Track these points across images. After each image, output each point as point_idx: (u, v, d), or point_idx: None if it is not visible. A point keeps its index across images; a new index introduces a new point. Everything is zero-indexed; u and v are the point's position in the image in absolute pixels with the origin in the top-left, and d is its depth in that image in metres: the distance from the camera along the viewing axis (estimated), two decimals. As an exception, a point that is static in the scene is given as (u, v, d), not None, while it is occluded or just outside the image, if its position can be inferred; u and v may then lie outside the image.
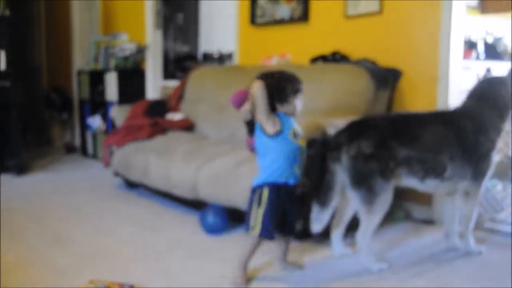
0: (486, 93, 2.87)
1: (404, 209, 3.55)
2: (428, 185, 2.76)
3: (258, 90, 2.37)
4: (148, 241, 3.15)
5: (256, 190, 2.50)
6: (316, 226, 2.74)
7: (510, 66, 2.96)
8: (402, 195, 3.25)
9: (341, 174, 2.68)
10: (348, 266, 2.73)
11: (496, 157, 2.84)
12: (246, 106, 2.45)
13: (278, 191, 2.46)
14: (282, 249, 2.68)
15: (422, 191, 2.88)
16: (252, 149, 2.56)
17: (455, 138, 2.72)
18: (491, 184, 3.28)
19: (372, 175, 2.60)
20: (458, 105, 2.96)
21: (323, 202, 2.71)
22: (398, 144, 2.65)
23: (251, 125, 2.51)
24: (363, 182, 2.61)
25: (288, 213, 2.50)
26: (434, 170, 2.69)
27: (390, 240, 3.15)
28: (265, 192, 2.45)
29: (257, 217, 2.46)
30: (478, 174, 2.78)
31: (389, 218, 3.35)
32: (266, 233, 2.46)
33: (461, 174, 2.75)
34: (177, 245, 3.08)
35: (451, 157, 2.70)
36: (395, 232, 3.30)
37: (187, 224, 3.46)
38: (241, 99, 2.51)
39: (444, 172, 2.70)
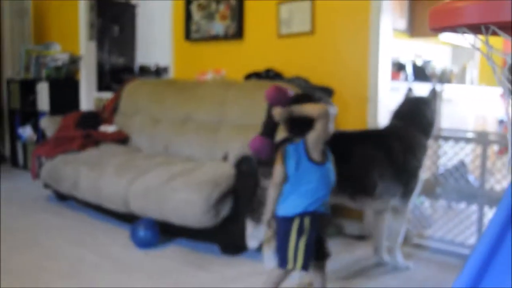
0: (411, 112, 2.98)
1: (336, 224, 3.62)
2: (358, 203, 2.82)
3: (332, 112, 2.18)
4: (76, 255, 3.08)
5: (293, 219, 2.22)
6: (253, 243, 2.74)
7: (432, 86, 3.11)
8: (334, 211, 3.32)
9: None
10: (278, 280, 2.76)
11: (423, 175, 2.95)
12: (284, 111, 2.22)
13: (316, 220, 2.26)
14: (321, 277, 2.46)
15: (353, 208, 2.95)
16: (257, 149, 2.36)
17: (385, 157, 2.79)
18: (419, 201, 3.41)
19: None
20: (386, 124, 3.07)
21: (257, 218, 2.72)
22: None
23: (273, 127, 2.35)
24: None
25: (321, 238, 2.37)
26: (364, 188, 2.75)
27: (320, 254, 3.21)
28: (307, 221, 2.22)
29: (299, 249, 2.22)
30: (406, 192, 2.86)
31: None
32: (307, 265, 2.25)
33: (391, 192, 2.82)
34: (106, 260, 3.02)
35: (380, 175, 2.76)
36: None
37: (118, 238, 3.41)
38: (282, 98, 2.26)
39: (374, 190, 2.76)
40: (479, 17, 1.09)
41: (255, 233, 2.74)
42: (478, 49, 1.30)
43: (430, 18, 1.21)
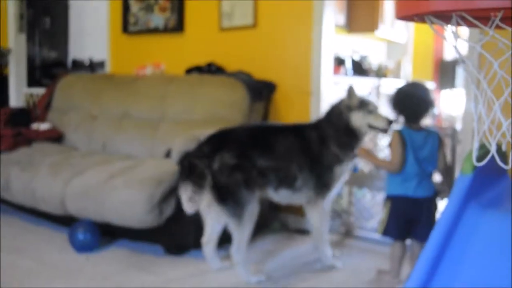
0: (331, 111, 2.88)
1: (280, 219, 3.59)
2: (281, 195, 2.79)
3: None
4: (9, 262, 2.86)
5: None
6: (191, 206, 2.63)
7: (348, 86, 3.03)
8: (277, 206, 3.29)
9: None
10: (227, 279, 2.70)
11: (342, 169, 2.83)
12: None
13: None
14: None
15: (277, 201, 2.88)
16: None
17: (302, 149, 2.77)
18: (361, 194, 3.43)
19: (237, 187, 2.58)
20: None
21: (200, 185, 2.60)
22: (257, 154, 2.68)
23: None
24: (229, 195, 2.58)
25: None
26: (285, 180, 2.73)
27: (267, 250, 3.17)
28: None
29: None
30: (321, 186, 2.79)
31: (265, 229, 3.38)
32: None
33: (309, 185, 2.78)
34: (42, 266, 2.85)
35: (299, 167, 2.74)
36: (271, 242, 3.32)
37: (55, 242, 3.23)
38: None
39: (294, 182, 2.74)
40: (447, 4, 1.06)
41: (194, 198, 2.62)
42: (443, 37, 1.27)
43: (398, 6, 1.18)
